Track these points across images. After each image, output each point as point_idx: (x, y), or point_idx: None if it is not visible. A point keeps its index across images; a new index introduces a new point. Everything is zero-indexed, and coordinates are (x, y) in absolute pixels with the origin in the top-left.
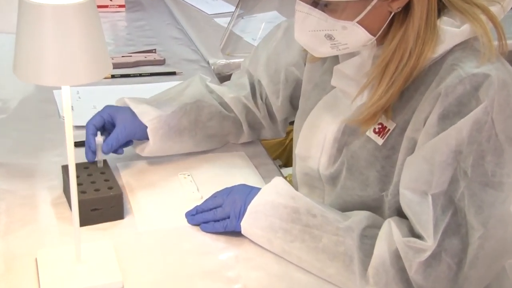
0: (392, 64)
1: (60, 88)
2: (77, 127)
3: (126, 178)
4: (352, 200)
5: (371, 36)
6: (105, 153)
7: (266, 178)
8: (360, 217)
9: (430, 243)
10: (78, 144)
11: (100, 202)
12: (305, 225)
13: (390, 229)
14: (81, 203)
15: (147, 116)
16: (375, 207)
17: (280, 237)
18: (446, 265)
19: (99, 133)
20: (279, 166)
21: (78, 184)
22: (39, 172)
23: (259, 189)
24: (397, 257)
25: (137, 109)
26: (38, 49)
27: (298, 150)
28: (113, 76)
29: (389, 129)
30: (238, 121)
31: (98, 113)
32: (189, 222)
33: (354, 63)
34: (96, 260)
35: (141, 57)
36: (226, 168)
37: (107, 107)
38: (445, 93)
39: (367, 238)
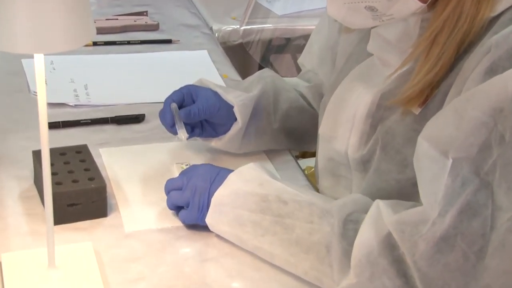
0: (443, 33)
1: (31, 57)
2: (51, 105)
3: (111, 167)
4: (388, 187)
5: (422, 4)
6: (184, 121)
7: (281, 170)
8: (345, 200)
9: (431, 212)
10: (53, 126)
11: (79, 196)
12: (276, 214)
13: (378, 210)
14: (56, 197)
15: (232, 93)
16: (415, 194)
17: (249, 231)
18: (460, 253)
19: (174, 104)
20: (296, 157)
21: (53, 174)
22: (4, 159)
23: (228, 172)
24: (389, 246)
25: (218, 88)
26: (5, 10)
27: (322, 129)
28: (95, 44)
29: (428, 96)
30: (316, 117)
31: (178, 89)
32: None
33: (398, 28)
34: (73, 266)
35: (129, 20)
36: (232, 156)
37: (188, 85)
38: (496, 44)
39: (352, 223)
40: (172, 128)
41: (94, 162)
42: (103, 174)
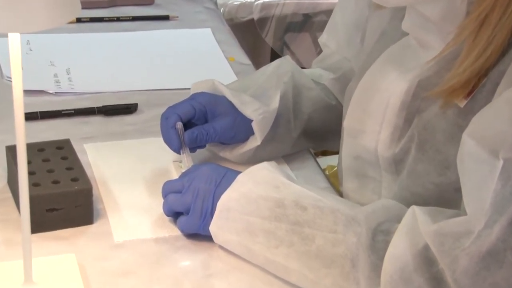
0: (495, 13)
1: (4, 37)
2: (28, 92)
3: (98, 165)
4: (425, 192)
5: None
6: (189, 146)
7: (298, 170)
8: (374, 206)
9: (476, 221)
10: (30, 117)
11: (60, 199)
12: (294, 222)
13: (414, 218)
14: (33, 200)
15: (251, 105)
16: (457, 200)
17: (260, 242)
18: (511, 271)
19: (179, 123)
20: (315, 154)
21: (30, 173)
22: None
23: (236, 173)
24: (426, 260)
25: (234, 97)
26: None
27: (347, 122)
28: (79, 20)
29: (475, 86)
30: (341, 111)
31: (187, 100)
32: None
33: (440, 4)
34: (53, 281)
35: None
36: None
37: (201, 94)
38: None
39: (383, 234)
40: (177, 150)
41: (78, 159)
42: (89, 173)
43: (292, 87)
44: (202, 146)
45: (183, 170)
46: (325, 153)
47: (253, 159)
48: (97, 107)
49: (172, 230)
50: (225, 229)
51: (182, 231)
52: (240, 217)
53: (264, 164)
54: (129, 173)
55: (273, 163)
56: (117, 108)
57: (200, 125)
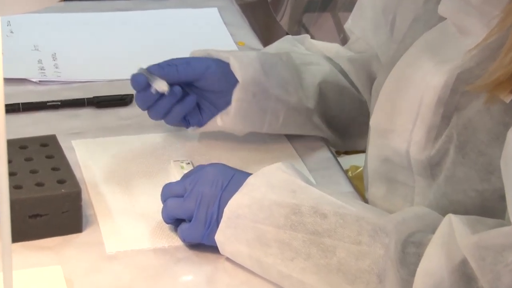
0: None
1: None
2: (9, 81)
3: (88, 165)
4: (465, 200)
5: None
6: (157, 74)
7: (316, 171)
8: (404, 215)
9: None
10: (10, 109)
11: (44, 204)
12: (312, 232)
13: (451, 228)
14: (14, 205)
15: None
16: (501, 209)
17: (274, 254)
18: None
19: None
20: (336, 153)
21: (11, 174)
22: None
23: (245, 175)
24: (465, 277)
25: (214, 52)
26: None
27: (375, 119)
28: None
29: None
30: (359, 101)
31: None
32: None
33: None
34: None
35: None
36: (251, 153)
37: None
38: None
39: (415, 246)
40: (145, 93)
41: (65, 158)
42: (77, 174)
43: (300, 54)
44: (193, 114)
45: (184, 171)
46: (348, 151)
47: (266, 127)
48: (87, 98)
49: (172, 240)
50: (233, 239)
51: (183, 240)
52: (250, 225)
53: (279, 164)
54: (123, 174)
55: (288, 163)
56: (111, 99)
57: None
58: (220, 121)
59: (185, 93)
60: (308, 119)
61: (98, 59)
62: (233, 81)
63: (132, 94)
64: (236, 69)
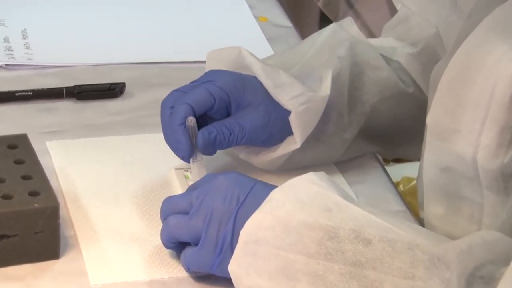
0: None
1: None
2: None
3: (67, 173)
4: None
5: None
6: (202, 152)
7: (358, 184)
8: (470, 241)
9: None
10: None
11: (13, 222)
12: (353, 262)
13: None
14: None
15: (290, 90)
16: None
17: None
18: None
19: (191, 118)
20: (383, 161)
21: None
22: None
23: (268, 188)
24: None
25: (268, 79)
26: None
27: (433, 117)
28: None
29: None
30: (418, 104)
31: (202, 83)
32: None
33: None
34: None
35: None
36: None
37: (223, 74)
38: None
39: (483, 282)
40: (186, 157)
41: (38, 164)
42: (54, 185)
43: (350, 65)
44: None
45: (191, 182)
46: (399, 159)
47: (288, 166)
48: (66, 88)
49: (173, 270)
50: (252, 270)
51: (188, 270)
52: (274, 252)
53: (310, 175)
54: (112, 185)
55: (322, 174)
56: (96, 90)
57: (220, 119)
58: (244, 157)
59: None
60: (340, 149)
61: (80, 38)
62: (286, 129)
63: (123, 83)
64: (296, 127)
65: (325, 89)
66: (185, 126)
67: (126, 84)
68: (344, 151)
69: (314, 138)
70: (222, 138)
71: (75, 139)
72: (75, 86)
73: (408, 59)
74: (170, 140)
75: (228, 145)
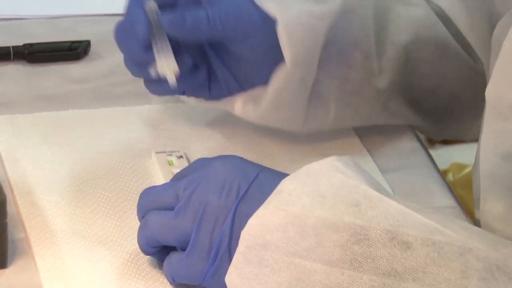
0: None
1: None
2: None
3: (16, 159)
4: None
5: None
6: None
7: (395, 172)
8: None
9: None
10: None
11: None
12: (386, 272)
13: None
14: None
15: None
16: None
17: None
18: None
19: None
20: (428, 142)
21: None
22: None
23: (277, 177)
24: None
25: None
26: None
27: (493, 89)
28: None
29: None
30: (469, 67)
31: None
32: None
33: None
34: None
35: None
36: (285, 139)
37: None
38: None
39: None
40: (144, 55)
41: None
42: (0, 175)
43: (370, 18)
44: (199, 65)
45: (176, 166)
46: (448, 140)
47: (306, 124)
48: (13, 47)
49: (154, 282)
50: (256, 283)
51: (173, 281)
52: (285, 260)
53: (332, 160)
54: (74, 174)
55: (347, 159)
56: (53, 50)
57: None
58: (240, 108)
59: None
60: (378, 106)
61: None
62: (278, 54)
63: (88, 41)
64: (284, 43)
65: (334, 1)
66: (143, 11)
67: (92, 43)
68: (380, 108)
69: (339, 88)
70: (192, 19)
71: (26, 114)
72: (25, 45)
73: (452, 2)
74: (126, 33)
75: (202, 31)
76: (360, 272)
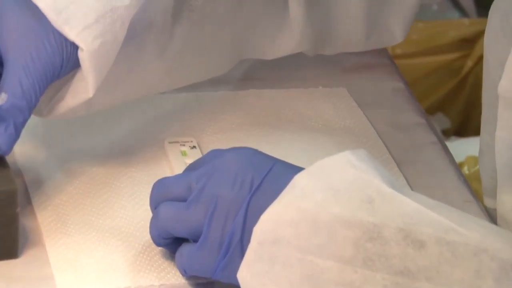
0: None
1: None
2: None
3: (25, 147)
4: None
5: None
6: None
7: (411, 165)
8: None
9: None
10: None
11: None
12: (399, 271)
13: None
14: None
15: (78, 18)
16: None
17: None
18: None
19: None
20: (442, 134)
21: None
22: None
23: (291, 170)
24: None
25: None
26: None
27: (505, 84)
28: None
29: None
30: None
31: None
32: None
33: None
34: None
35: None
36: (300, 131)
37: None
38: None
39: None
40: None
41: None
42: (9, 161)
43: None
44: None
45: (189, 160)
46: (462, 131)
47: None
48: None
49: (166, 274)
50: (268, 279)
51: (184, 274)
52: (297, 257)
53: (347, 155)
54: (86, 164)
55: (362, 152)
56: None
57: None
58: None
59: None
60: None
61: None
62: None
63: None
64: (87, 66)
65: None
66: None
67: None
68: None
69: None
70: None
71: None
72: None
73: None
74: None
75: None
76: (373, 271)
